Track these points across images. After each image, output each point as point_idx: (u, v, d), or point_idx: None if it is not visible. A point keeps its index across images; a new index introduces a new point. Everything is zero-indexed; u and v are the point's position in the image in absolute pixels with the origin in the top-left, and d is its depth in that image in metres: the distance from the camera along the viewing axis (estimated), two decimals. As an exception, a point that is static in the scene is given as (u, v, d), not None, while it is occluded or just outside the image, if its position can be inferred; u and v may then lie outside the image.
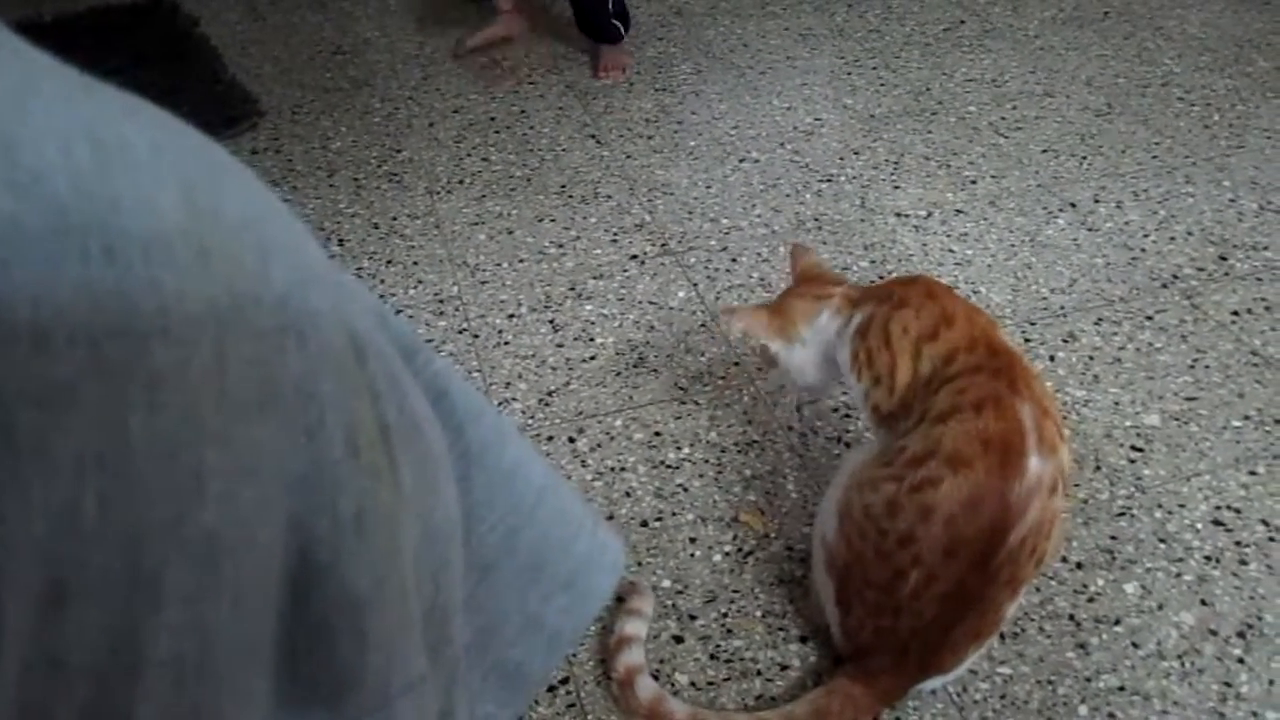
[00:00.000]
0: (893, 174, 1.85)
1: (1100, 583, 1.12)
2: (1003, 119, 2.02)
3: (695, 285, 1.57)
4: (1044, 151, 1.92)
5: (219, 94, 2.19)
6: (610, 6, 2.19)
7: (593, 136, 1.98)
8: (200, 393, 0.29)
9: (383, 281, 1.61)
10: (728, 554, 1.16)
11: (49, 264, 0.26)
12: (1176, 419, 1.33)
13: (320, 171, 1.91)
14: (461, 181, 1.86)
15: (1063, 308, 1.54)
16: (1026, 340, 1.47)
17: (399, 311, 1.54)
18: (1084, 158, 1.90)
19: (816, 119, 2.03)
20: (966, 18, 2.46)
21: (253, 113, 2.11)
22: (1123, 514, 1.20)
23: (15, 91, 0.29)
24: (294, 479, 0.33)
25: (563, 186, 1.83)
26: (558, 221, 1.73)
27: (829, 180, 1.83)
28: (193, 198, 0.30)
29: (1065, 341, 1.47)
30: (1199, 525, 1.18)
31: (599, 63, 2.22)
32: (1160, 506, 1.21)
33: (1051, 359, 1.44)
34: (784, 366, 1.12)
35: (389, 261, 1.65)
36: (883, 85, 2.15)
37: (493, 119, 2.06)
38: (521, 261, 1.64)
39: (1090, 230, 1.70)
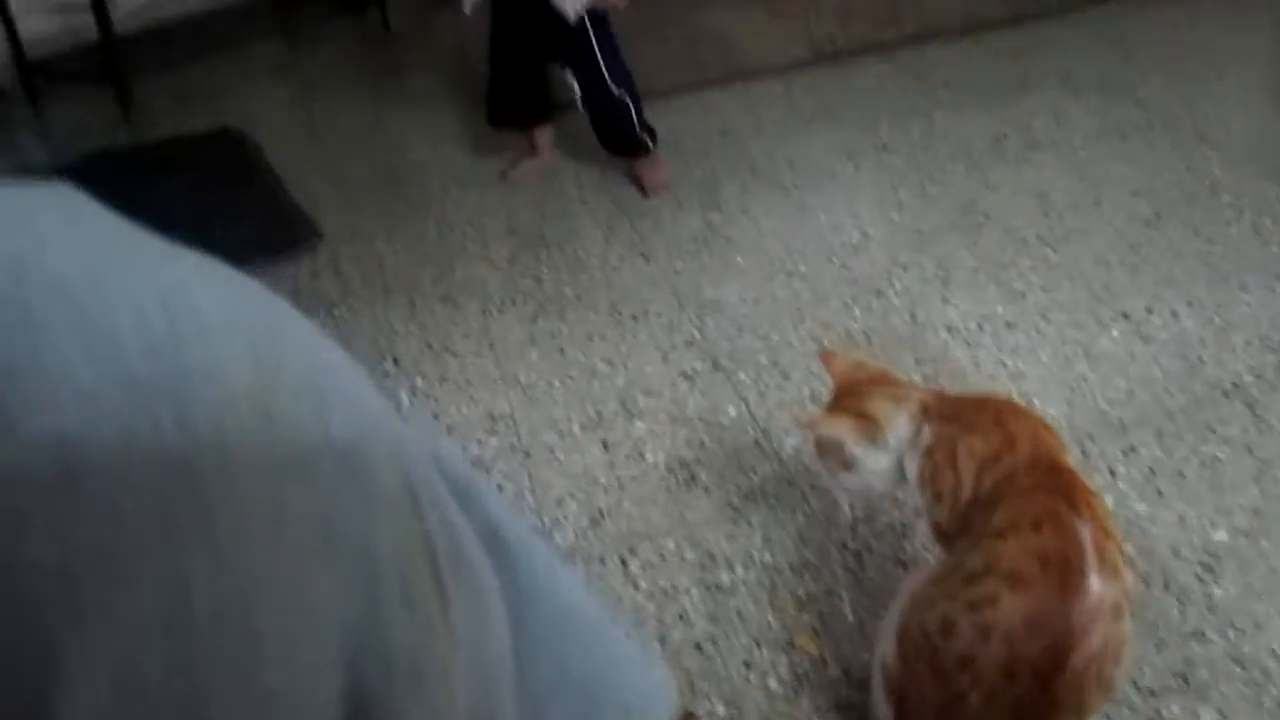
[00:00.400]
0: (942, 287, 1.85)
1: (1175, 709, 1.08)
2: (1050, 231, 2.03)
3: (746, 401, 1.57)
4: (1094, 262, 1.91)
5: (281, 217, 2.27)
6: (635, 119, 2.22)
7: (642, 255, 2.01)
8: (261, 551, 0.30)
9: (436, 400, 1.63)
10: (783, 679, 1.14)
11: (123, 434, 0.27)
12: (1246, 534, 1.29)
13: (376, 292, 1.96)
14: (514, 301, 1.89)
15: (1121, 420, 1.51)
16: (1085, 454, 1.44)
17: (451, 430, 1.56)
18: (1135, 268, 1.89)
19: (863, 234, 2.05)
20: (1009, 132, 2.48)
21: (312, 235, 2.18)
22: (1195, 636, 1.16)
23: (95, 262, 0.30)
24: (351, 632, 0.34)
25: (613, 304, 1.85)
26: (608, 339, 1.75)
27: (878, 294, 1.83)
28: (258, 360, 0.31)
29: (1125, 455, 1.44)
30: (1276, 647, 1.14)
31: (643, 182, 2.27)
32: (1234, 627, 1.16)
33: (1112, 473, 1.41)
34: (861, 471, 1.10)
35: (442, 379, 1.68)
36: (928, 199, 2.17)
37: (545, 239, 2.10)
38: (573, 379, 1.65)
39: (1145, 341, 1.68)
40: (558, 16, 2.02)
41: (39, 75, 3.29)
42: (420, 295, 1.93)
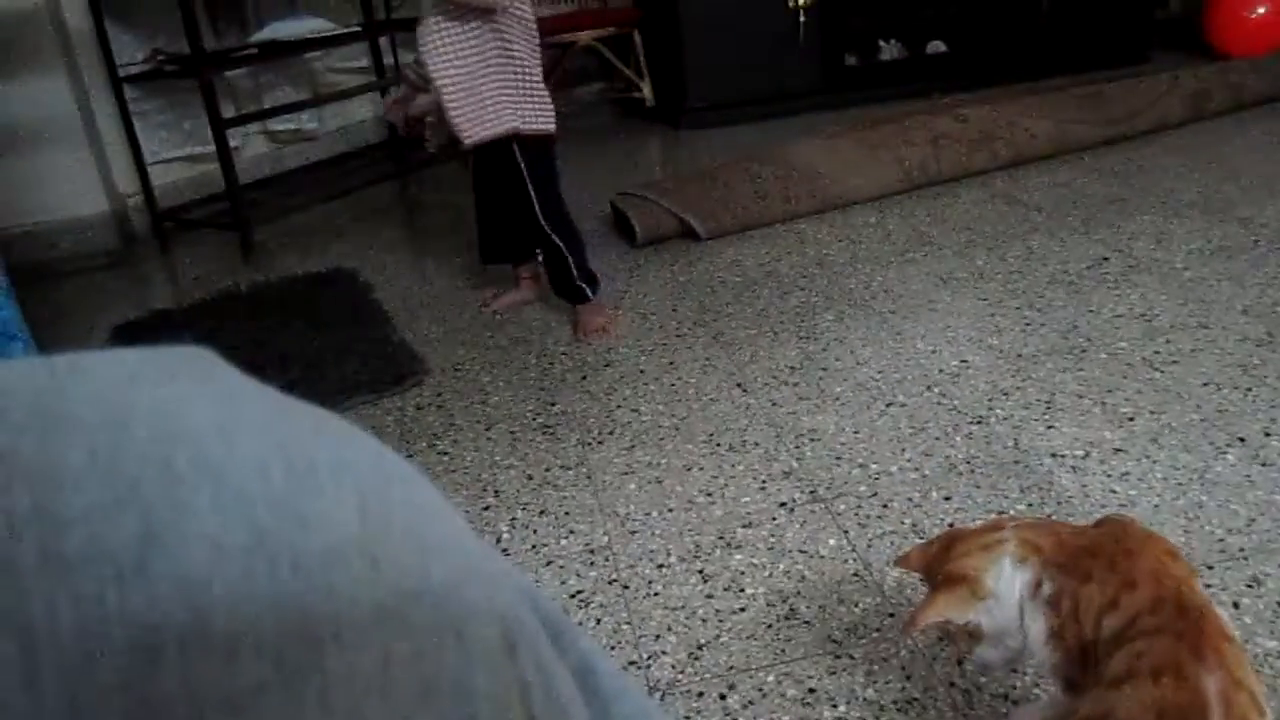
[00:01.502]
0: (1045, 413, 1.82)
1: None
2: (1156, 353, 1.99)
3: (846, 533, 1.55)
4: (1204, 385, 1.86)
5: (390, 353, 2.35)
6: (573, 266, 2.33)
7: (739, 385, 2.03)
8: (366, 693, 0.32)
9: (535, 532, 1.65)
10: (892, 825, 1.09)
11: (245, 580, 0.30)
12: (1387, 675, 1.21)
13: (479, 425, 2.00)
14: (612, 432, 1.91)
15: (1243, 549, 1.45)
16: (1206, 586, 1.38)
17: (550, 563, 1.57)
18: (1248, 390, 1.83)
19: (963, 361, 2.03)
20: (1110, 254, 2.46)
21: (419, 371, 2.25)
22: (1337, 786, 1.08)
23: (226, 420, 0.33)
24: None
25: (710, 435, 1.86)
26: (706, 470, 1.76)
27: (979, 422, 1.81)
28: (366, 510, 0.33)
29: (1249, 587, 1.38)
30: None
31: (578, 326, 2.37)
32: (1380, 777, 1.08)
33: (1235, 606, 1.34)
34: (993, 633, 0.99)
35: (542, 512, 1.70)
36: (1028, 325, 2.15)
37: (642, 371, 2.14)
38: (670, 510, 1.66)
39: (1264, 465, 1.61)
40: (498, 152, 2.23)
41: (168, 221, 3.51)
42: (521, 428, 1.97)
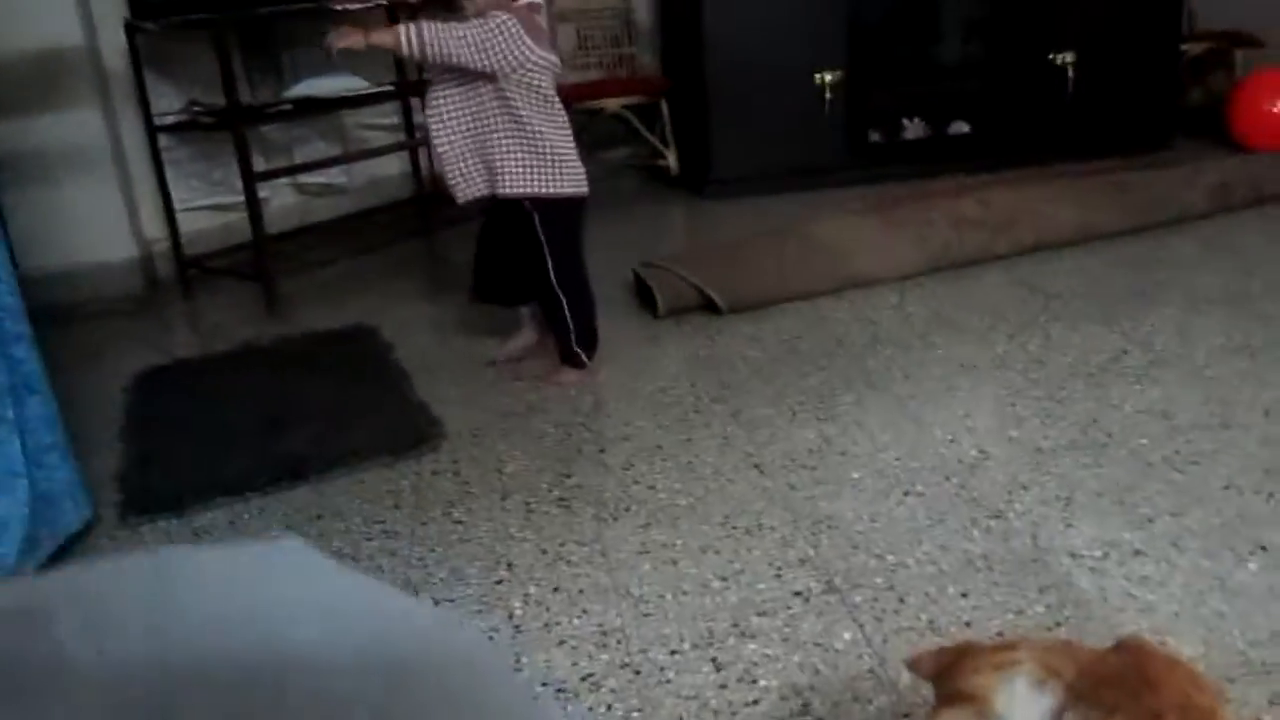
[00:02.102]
0: (1064, 510, 1.81)
1: None
2: (1177, 453, 1.98)
3: (861, 626, 1.54)
4: (1225, 488, 1.85)
5: (408, 416, 2.36)
6: (572, 335, 2.44)
7: (756, 466, 2.02)
8: None
9: (548, 609, 1.64)
10: None
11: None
12: None
13: (494, 494, 2.00)
14: (628, 509, 1.91)
15: (1265, 663, 1.43)
16: (1226, 700, 1.36)
17: (562, 643, 1.55)
18: (1271, 494, 1.82)
19: (982, 451, 2.02)
20: (1130, 348, 2.46)
21: (437, 434, 2.25)
22: None
23: (329, 629, 0.35)
24: None
25: (726, 517, 1.86)
26: (721, 553, 1.75)
27: (997, 516, 1.80)
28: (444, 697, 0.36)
29: (1273, 704, 1.36)
30: None
31: (550, 372, 2.49)
32: None
33: (1257, 725, 1.32)
34: None
35: (555, 589, 1.69)
36: (1048, 417, 2.15)
37: (659, 447, 2.14)
38: (685, 594, 1.65)
39: (1286, 577, 1.60)
40: (512, 208, 2.34)
41: (193, 268, 3.54)
42: (537, 499, 1.97)
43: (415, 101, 4.03)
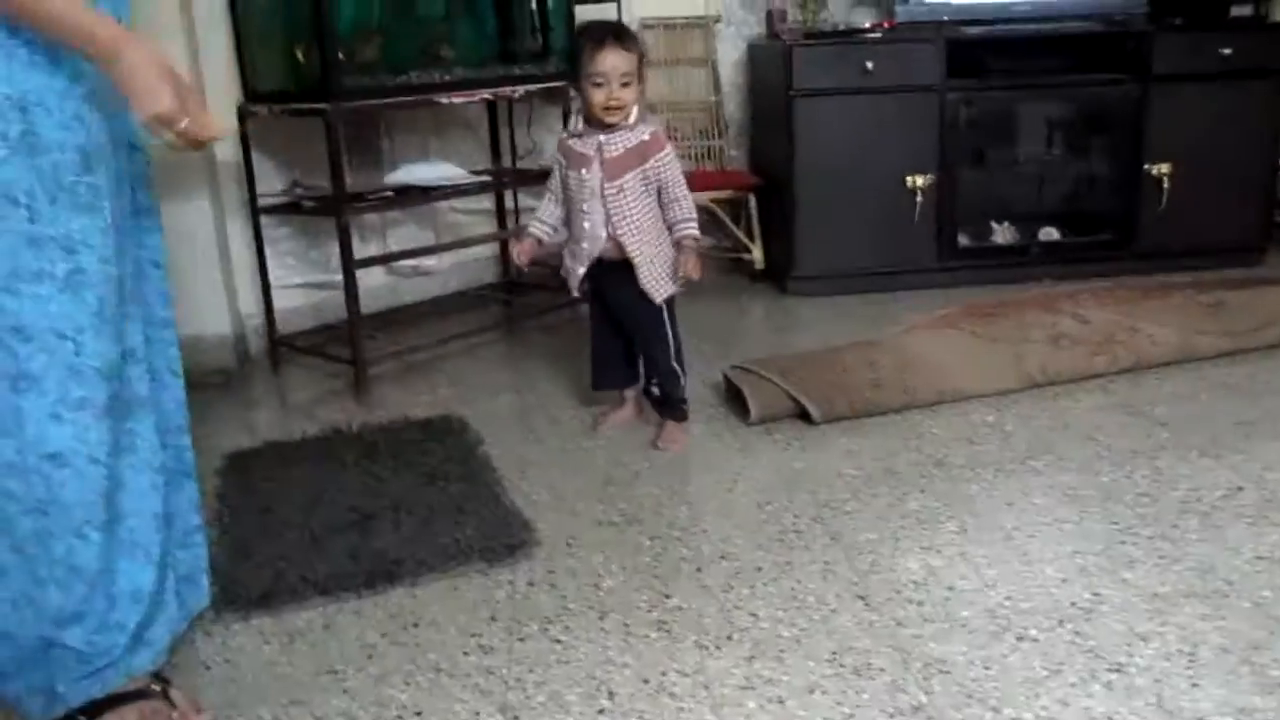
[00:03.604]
0: (1188, 667, 1.73)
1: None
2: (1304, 609, 1.90)
3: (982, 789, 1.48)
4: (1359, 653, 1.77)
5: (500, 518, 2.35)
6: (683, 390, 2.78)
7: (861, 598, 1.98)
8: None
9: (653, 747, 1.59)
10: None
11: None
12: None
13: (592, 612, 1.97)
14: (730, 637, 1.87)
15: None
16: None
17: (670, 786, 1.51)
18: None
19: (1095, 594, 1.96)
20: (1244, 484, 2.38)
21: (530, 542, 2.23)
22: None
23: None
24: None
25: (833, 654, 1.81)
26: (830, 694, 1.70)
27: (1118, 670, 1.73)
28: None
29: None
30: None
31: (665, 438, 2.75)
32: None
33: None
34: None
35: (659, 724, 1.65)
36: (1162, 559, 2.08)
37: (759, 569, 2.10)
38: (794, 739, 1.60)
39: None
40: (641, 299, 2.65)
41: (284, 346, 3.59)
42: (635, 621, 1.94)
43: (505, 190, 4.09)
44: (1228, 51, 4.13)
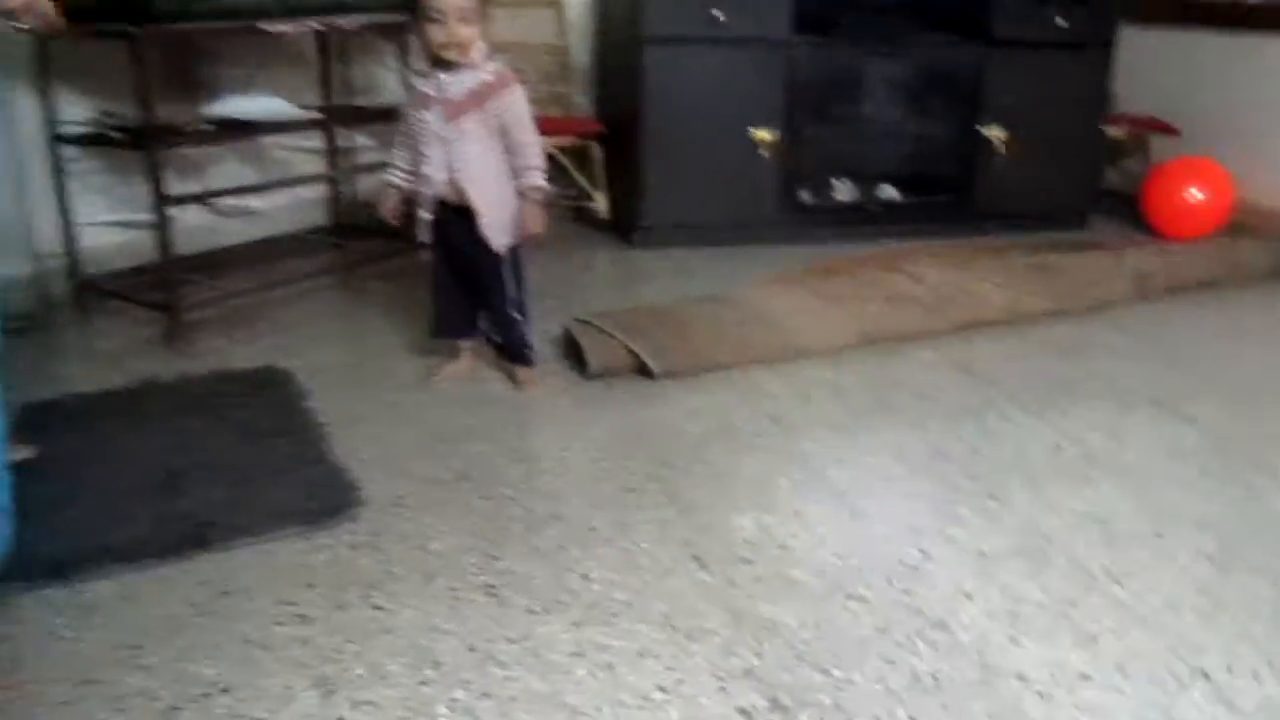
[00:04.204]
0: (1010, 625, 1.77)
1: None
2: (1116, 564, 1.96)
3: (809, 753, 1.47)
4: (1165, 605, 1.84)
5: (323, 478, 2.22)
6: (525, 337, 2.71)
7: (695, 558, 1.95)
8: None
9: (478, 719, 1.52)
10: None
11: None
12: None
13: (418, 576, 1.88)
14: (560, 601, 1.81)
15: (1214, 809, 1.40)
16: None
17: (493, 760, 1.45)
18: (1208, 616, 1.81)
19: (923, 551, 1.98)
20: (1065, 444, 2.46)
21: (354, 503, 2.12)
22: None
23: None
24: None
25: (665, 616, 1.77)
26: (661, 659, 1.66)
27: (942, 628, 1.75)
28: None
29: None
30: None
31: (516, 379, 2.74)
32: None
33: None
34: None
35: (485, 694, 1.58)
36: (988, 517, 2.12)
37: (593, 529, 2.04)
38: (623, 707, 1.55)
39: (1229, 708, 1.58)
40: (482, 246, 2.56)
41: (91, 290, 3.33)
42: (464, 585, 1.85)
43: (338, 128, 3.89)
44: (1063, 22, 4.25)
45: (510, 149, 2.54)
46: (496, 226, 2.55)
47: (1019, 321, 3.28)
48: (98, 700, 1.56)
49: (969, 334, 3.18)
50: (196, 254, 3.58)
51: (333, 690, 1.58)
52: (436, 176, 2.52)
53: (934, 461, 2.36)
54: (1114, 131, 4.65)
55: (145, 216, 3.30)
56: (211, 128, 3.30)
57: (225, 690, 1.59)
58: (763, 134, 4.04)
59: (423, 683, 1.60)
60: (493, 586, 1.85)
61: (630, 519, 2.08)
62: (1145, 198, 4.42)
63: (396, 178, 2.64)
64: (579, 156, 4.40)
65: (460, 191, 2.52)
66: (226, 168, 3.82)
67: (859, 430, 2.51)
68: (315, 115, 3.63)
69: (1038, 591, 1.87)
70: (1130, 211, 4.54)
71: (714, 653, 1.68)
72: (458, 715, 1.53)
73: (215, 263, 3.62)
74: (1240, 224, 4.25)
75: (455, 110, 2.48)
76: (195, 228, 3.71)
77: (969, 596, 1.85)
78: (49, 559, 1.91)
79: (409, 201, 2.65)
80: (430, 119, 2.49)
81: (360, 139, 4.11)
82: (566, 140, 4.22)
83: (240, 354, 2.97)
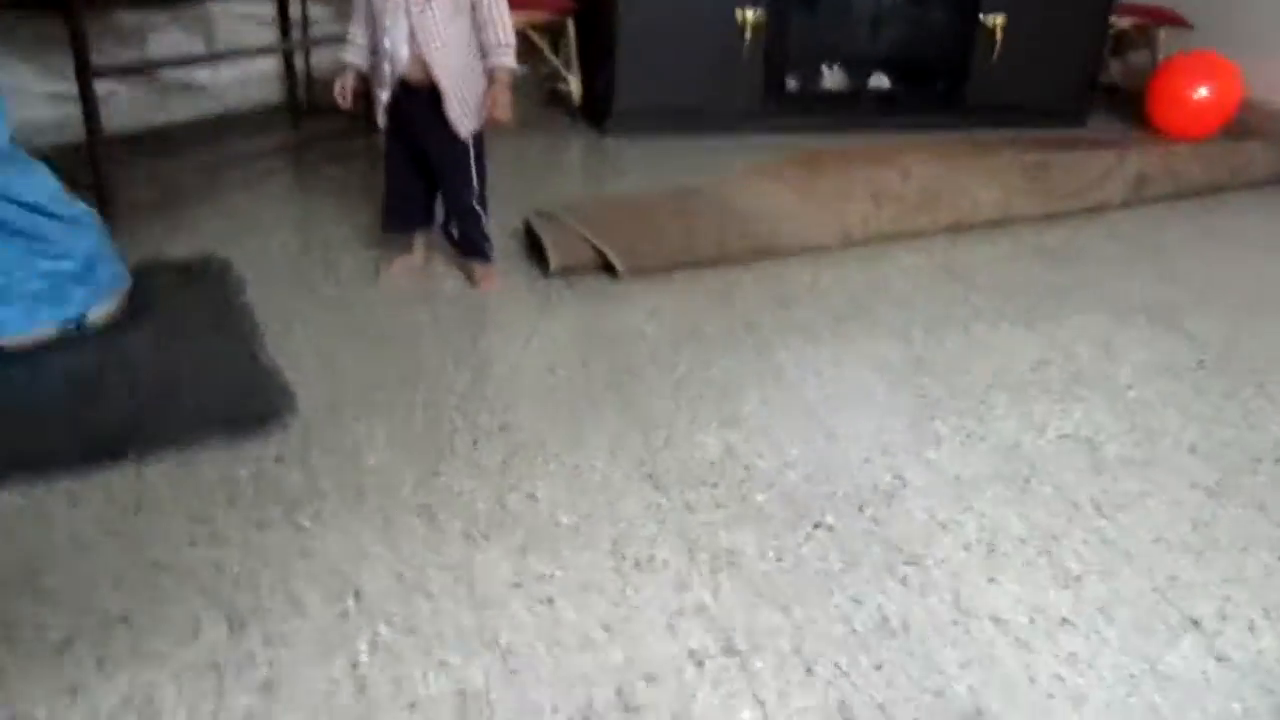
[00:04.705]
0: (986, 559, 1.64)
1: None
2: (1103, 493, 1.83)
3: (762, 703, 1.34)
4: (1154, 541, 1.71)
5: (254, 381, 2.05)
6: (484, 230, 2.52)
7: (650, 477, 1.80)
8: None
9: (400, 659, 1.39)
10: None
11: None
12: None
13: (348, 494, 1.73)
14: (502, 525, 1.66)
15: (1200, 771, 1.28)
16: (1162, 823, 1.21)
17: (413, 706, 1.31)
18: (1200, 554, 1.68)
19: (898, 476, 1.84)
20: (1053, 357, 2.31)
21: (286, 409, 1.95)
22: None
23: None
24: None
25: (614, 543, 1.63)
26: (606, 594, 1.52)
27: (914, 563, 1.61)
28: None
29: (1208, 826, 1.21)
30: None
31: (477, 279, 2.55)
32: None
33: None
34: None
35: (411, 630, 1.44)
36: (968, 437, 1.97)
37: (542, 444, 1.88)
38: (561, 647, 1.42)
39: (1220, 660, 1.46)
40: (446, 131, 2.34)
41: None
42: (397, 505, 1.70)
43: (292, -3, 3.61)
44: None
45: (479, 24, 2.29)
46: (462, 110, 2.33)
47: (1010, 223, 3.10)
48: (-17, 629, 1.42)
49: (957, 236, 3.00)
50: (137, 132, 3.35)
51: (243, 623, 1.44)
52: (399, 53, 2.28)
53: (915, 374, 2.20)
54: (1120, 22, 4.39)
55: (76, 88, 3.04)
56: (143, -9, 3.02)
57: (125, 620, 1.44)
58: (747, 14, 3.77)
59: (343, 614, 1.46)
60: (428, 507, 1.70)
61: (583, 433, 1.93)
62: (1150, 94, 4.19)
63: (352, 55, 2.39)
64: (552, 35, 4.13)
65: (425, 69, 2.28)
66: (170, 38, 3.54)
67: (836, 340, 2.35)
68: (262, -20, 3.34)
69: (1018, 523, 1.73)
70: (1131, 109, 4.31)
71: (665, 587, 1.54)
72: (379, 654, 1.39)
73: (156, 141, 3.38)
74: (1245, 124, 4.04)
75: None
76: (136, 102, 3.46)
77: (944, 527, 1.71)
78: (-55, 467, 1.74)
79: (366, 81, 2.41)
80: None
81: (317, 9, 3.82)
82: (539, 16, 3.95)
83: (177, 241, 2.76)
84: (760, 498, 1.76)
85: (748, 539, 1.65)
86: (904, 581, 1.57)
